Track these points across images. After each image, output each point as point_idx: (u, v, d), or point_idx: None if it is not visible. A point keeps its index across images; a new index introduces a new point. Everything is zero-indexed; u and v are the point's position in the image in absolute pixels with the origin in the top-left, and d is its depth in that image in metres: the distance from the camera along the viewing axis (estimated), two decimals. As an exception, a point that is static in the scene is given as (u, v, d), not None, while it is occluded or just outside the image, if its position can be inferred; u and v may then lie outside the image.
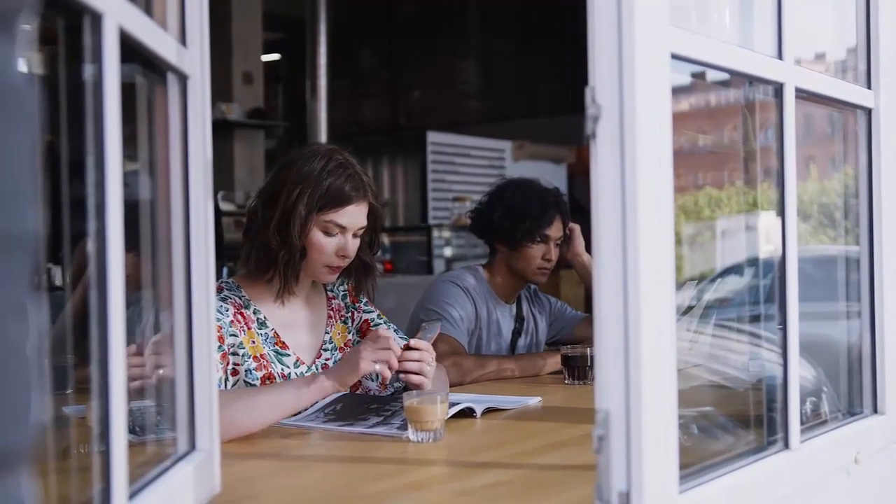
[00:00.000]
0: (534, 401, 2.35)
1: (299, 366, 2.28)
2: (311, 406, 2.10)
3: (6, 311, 0.56)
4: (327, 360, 2.35)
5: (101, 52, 0.99)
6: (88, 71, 0.99)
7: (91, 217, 0.98)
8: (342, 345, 2.40)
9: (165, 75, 1.31)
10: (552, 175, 7.05)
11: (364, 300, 2.49)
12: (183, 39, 1.34)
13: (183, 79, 1.34)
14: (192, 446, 1.35)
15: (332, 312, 2.42)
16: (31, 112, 0.58)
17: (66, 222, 1.03)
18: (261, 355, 2.21)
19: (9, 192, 0.56)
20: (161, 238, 1.34)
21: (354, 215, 2.24)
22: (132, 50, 1.10)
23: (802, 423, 1.55)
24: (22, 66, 0.59)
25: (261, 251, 2.24)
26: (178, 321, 1.35)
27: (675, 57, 1.25)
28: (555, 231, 3.01)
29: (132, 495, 1.06)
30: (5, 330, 0.56)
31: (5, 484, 0.56)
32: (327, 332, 2.38)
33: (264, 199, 2.24)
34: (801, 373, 1.56)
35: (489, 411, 2.18)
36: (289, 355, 2.27)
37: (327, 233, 2.23)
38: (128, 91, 1.06)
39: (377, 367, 2.03)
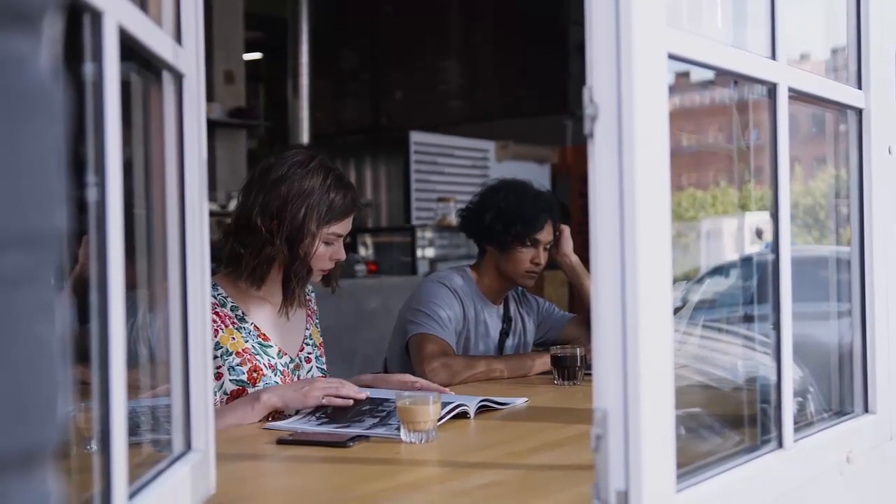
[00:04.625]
0: (520, 401, 2.36)
1: (282, 356, 2.34)
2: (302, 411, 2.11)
3: (34, 309, 0.55)
4: (309, 353, 2.43)
5: (101, 50, 0.98)
6: (88, 69, 0.98)
7: (91, 216, 0.97)
8: (319, 342, 2.50)
9: (161, 74, 1.30)
10: (535, 175, 7.05)
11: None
12: (178, 38, 1.33)
13: (178, 77, 1.33)
14: (188, 447, 1.35)
15: (309, 312, 2.50)
16: (57, 110, 0.58)
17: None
18: (243, 350, 2.26)
19: (37, 190, 0.55)
20: (156, 237, 1.33)
21: (349, 223, 2.34)
22: (128, 48, 1.09)
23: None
24: (48, 65, 0.59)
25: (266, 264, 2.28)
26: (174, 322, 1.35)
27: (671, 57, 1.25)
28: (545, 235, 3.00)
29: (131, 496, 1.06)
30: (33, 328, 0.55)
31: (33, 481, 0.56)
32: (307, 329, 2.46)
33: (261, 212, 2.26)
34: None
35: (482, 410, 2.19)
36: (272, 346, 2.33)
37: (328, 243, 2.31)
38: (123, 89, 1.05)
39: (324, 400, 2.09)
